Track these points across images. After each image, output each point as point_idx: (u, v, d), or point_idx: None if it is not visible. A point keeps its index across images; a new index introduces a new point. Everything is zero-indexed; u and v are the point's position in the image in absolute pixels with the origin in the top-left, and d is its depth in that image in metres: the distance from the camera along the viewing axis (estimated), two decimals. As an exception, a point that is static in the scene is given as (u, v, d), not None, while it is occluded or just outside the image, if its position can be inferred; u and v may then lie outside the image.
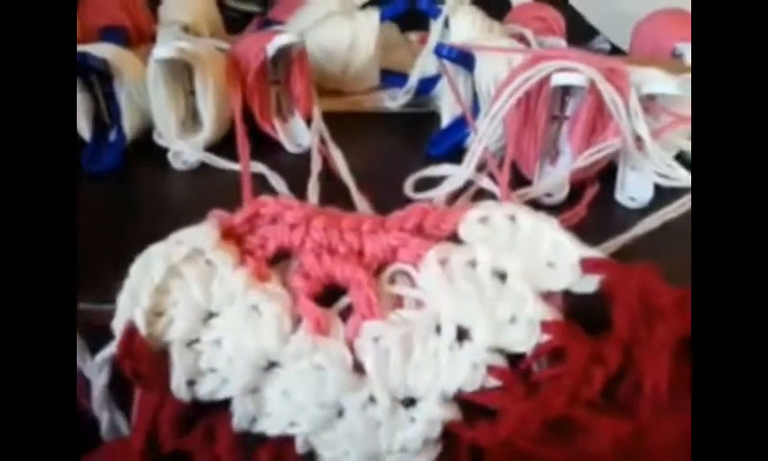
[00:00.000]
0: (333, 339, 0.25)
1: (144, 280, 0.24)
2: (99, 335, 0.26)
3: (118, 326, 0.25)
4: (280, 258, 0.27)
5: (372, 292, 0.25)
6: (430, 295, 0.25)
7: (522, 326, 0.24)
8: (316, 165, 0.35)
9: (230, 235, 0.26)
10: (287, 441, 0.25)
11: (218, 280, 0.25)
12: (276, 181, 0.34)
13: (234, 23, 0.53)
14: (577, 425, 0.23)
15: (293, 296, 0.26)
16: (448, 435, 0.25)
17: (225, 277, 0.25)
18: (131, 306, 0.24)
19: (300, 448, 0.25)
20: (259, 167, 0.34)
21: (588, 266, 0.24)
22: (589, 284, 0.24)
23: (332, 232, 0.26)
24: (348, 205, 0.32)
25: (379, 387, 0.24)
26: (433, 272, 0.25)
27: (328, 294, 0.26)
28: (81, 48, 0.34)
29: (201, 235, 0.25)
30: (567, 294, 0.25)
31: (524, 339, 0.24)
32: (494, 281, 0.25)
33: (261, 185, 0.33)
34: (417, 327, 0.25)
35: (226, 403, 0.25)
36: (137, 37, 0.47)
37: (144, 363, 0.24)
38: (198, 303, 0.25)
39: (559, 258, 0.24)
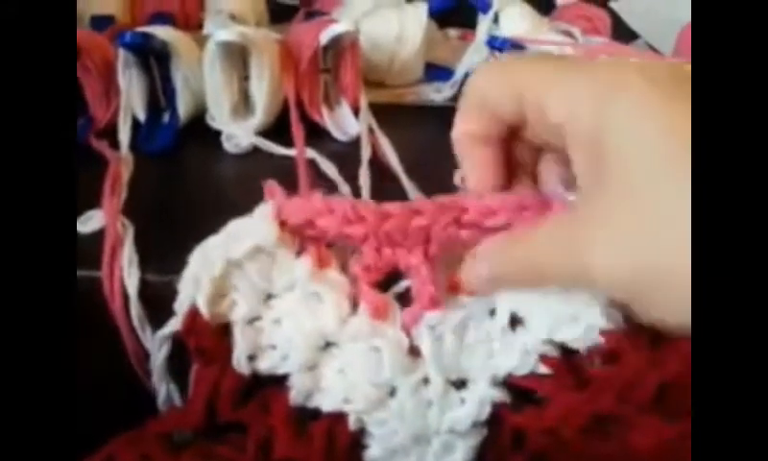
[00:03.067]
0: (390, 324, 0.25)
1: (204, 270, 0.24)
2: (158, 305, 0.27)
3: (181, 307, 0.25)
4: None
5: (433, 285, 0.25)
6: None
7: (581, 327, 0.24)
8: (366, 153, 0.35)
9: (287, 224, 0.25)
10: (339, 418, 0.25)
11: (278, 269, 0.25)
12: (327, 166, 0.34)
13: (273, 15, 0.54)
14: (623, 422, 0.23)
15: (352, 280, 0.26)
16: (493, 422, 0.25)
17: (285, 266, 0.25)
18: (193, 292, 0.24)
19: (351, 425, 0.25)
20: (311, 153, 0.35)
21: None
22: None
23: (396, 233, 0.25)
24: (399, 192, 0.33)
25: (434, 370, 0.25)
26: None
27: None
28: (143, 29, 0.35)
29: (261, 232, 0.25)
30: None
31: (581, 338, 0.24)
32: None
33: (312, 170, 0.34)
34: (472, 311, 0.25)
35: (281, 379, 0.26)
36: (185, 24, 0.48)
37: (207, 339, 0.25)
38: (260, 290, 0.25)
39: None
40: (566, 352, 0.25)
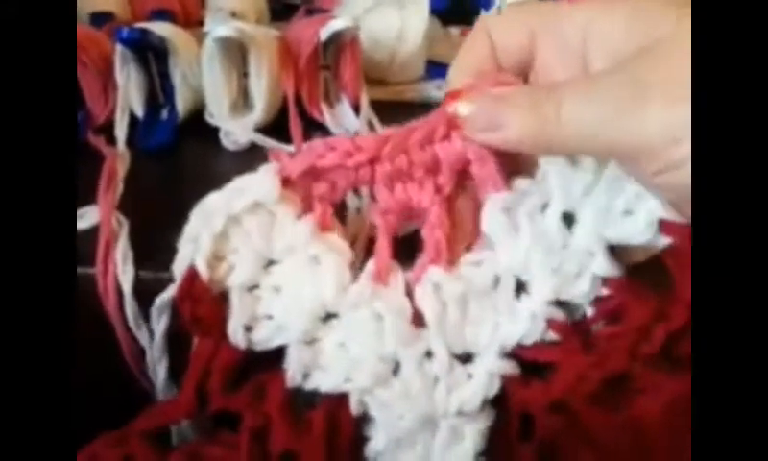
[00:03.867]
0: (392, 289, 0.24)
1: (204, 228, 0.24)
2: (153, 302, 0.26)
3: (178, 270, 0.24)
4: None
5: (442, 233, 0.24)
6: (493, 244, 0.24)
7: (585, 280, 0.23)
8: (365, 149, 0.35)
9: (292, 182, 0.25)
10: (340, 401, 0.24)
11: (279, 230, 0.24)
12: (326, 163, 0.34)
13: (275, 13, 0.54)
14: (633, 386, 0.23)
15: (371, 234, 0.25)
16: (500, 403, 0.24)
17: (286, 227, 0.24)
18: (192, 252, 0.24)
19: (354, 408, 0.24)
20: (310, 149, 0.34)
21: (667, 229, 0.22)
22: (659, 242, 0.23)
23: (402, 159, 0.24)
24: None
25: (437, 339, 0.24)
26: (496, 220, 0.24)
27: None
28: (141, 25, 0.35)
29: (262, 188, 0.24)
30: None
31: (586, 293, 0.23)
32: (562, 230, 0.24)
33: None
34: (476, 281, 0.24)
35: (277, 363, 0.24)
36: (185, 21, 0.48)
37: (204, 306, 0.24)
38: (259, 252, 0.24)
39: (638, 210, 0.23)
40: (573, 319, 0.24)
